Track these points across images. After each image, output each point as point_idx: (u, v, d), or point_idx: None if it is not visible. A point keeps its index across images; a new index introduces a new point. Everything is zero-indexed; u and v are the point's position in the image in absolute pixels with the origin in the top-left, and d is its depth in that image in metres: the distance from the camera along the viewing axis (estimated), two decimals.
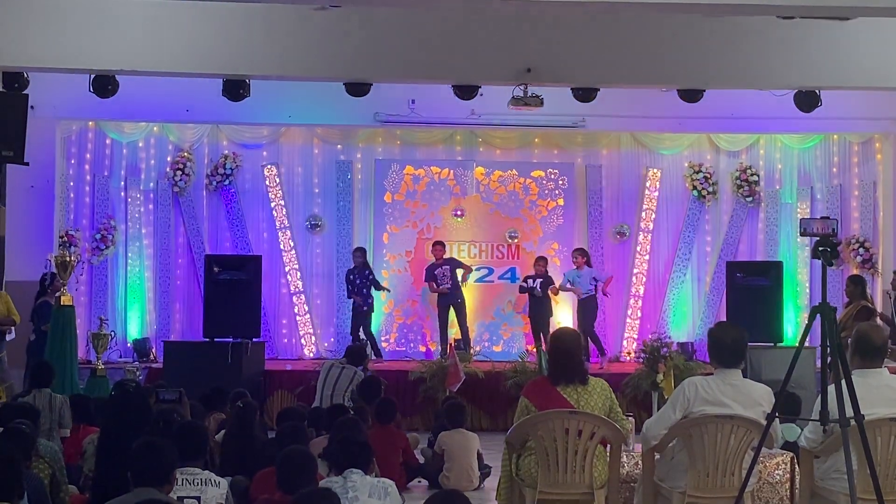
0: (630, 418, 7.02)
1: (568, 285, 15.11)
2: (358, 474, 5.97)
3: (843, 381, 5.58)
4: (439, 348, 14.98)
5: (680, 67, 12.17)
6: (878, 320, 12.17)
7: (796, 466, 6.90)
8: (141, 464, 5.02)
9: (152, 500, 4.75)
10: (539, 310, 15.09)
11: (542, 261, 15.28)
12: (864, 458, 5.60)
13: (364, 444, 6.37)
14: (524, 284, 15.20)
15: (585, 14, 11.75)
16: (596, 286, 15.08)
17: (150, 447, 5.08)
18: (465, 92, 12.55)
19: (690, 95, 12.66)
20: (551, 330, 12.89)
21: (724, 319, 13.55)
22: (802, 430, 6.45)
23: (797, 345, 5.72)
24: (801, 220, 5.77)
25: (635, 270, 16.34)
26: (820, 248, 5.53)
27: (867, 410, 5.65)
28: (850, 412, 5.41)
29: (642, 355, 12.87)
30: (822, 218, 5.65)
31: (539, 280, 15.04)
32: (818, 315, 5.67)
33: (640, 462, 6.73)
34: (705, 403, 6.13)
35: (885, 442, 5.99)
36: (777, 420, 6.00)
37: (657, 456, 6.42)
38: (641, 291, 16.34)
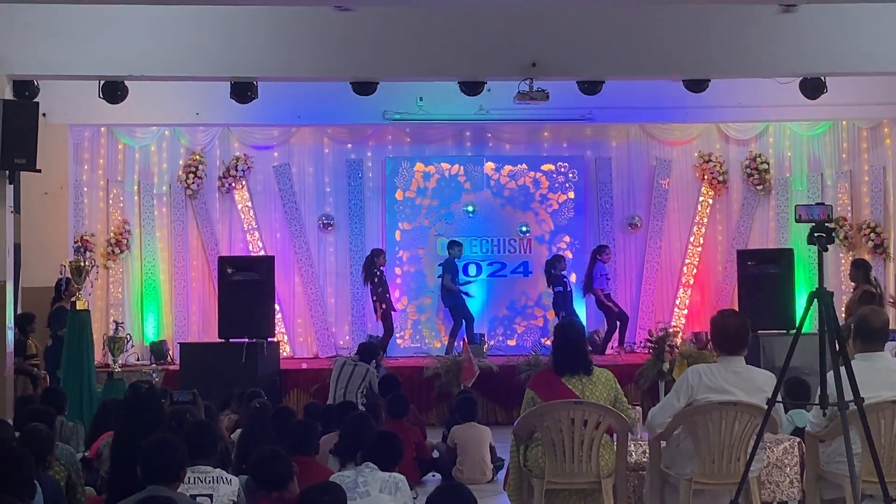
0: (637, 408, 7.08)
1: None
2: (371, 469, 6.05)
3: (842, 365, 5.63)
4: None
5: (684, 58, 12.17)
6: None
7: (804, 451, 6.95)
8: (151, 460, 5.11)
9: (163, 497, 4.83)
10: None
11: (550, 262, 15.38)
12: (866, 442, 5.65)
13: (396, 440, 6.48)
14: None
15: (589, 7, 11.80)
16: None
17: (159, 444, 5.17)
18: (472, 88, 12.59)
19: (696, 85, 12.67)
20: None
21: (736, 307, 13.56)
22: None
23: (795, 330, 5.77)
24: (795, 206, 5.80)
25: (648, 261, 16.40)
26: (815, 234, 5.58)
27: (870, 394, 5.70)
28: (849, 396, 5.46)
29: (649, 345, 12.94)
30: (817, 204, 5.70)
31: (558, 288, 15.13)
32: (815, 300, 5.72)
33: (647, 450, 6.81)
34: (708, 391, 6.19)
35: (888, 424, 6.06)
36: (780, 405, 6.05)
37: (663, 444, 6.49)
38: (654, 282, 16.38)
